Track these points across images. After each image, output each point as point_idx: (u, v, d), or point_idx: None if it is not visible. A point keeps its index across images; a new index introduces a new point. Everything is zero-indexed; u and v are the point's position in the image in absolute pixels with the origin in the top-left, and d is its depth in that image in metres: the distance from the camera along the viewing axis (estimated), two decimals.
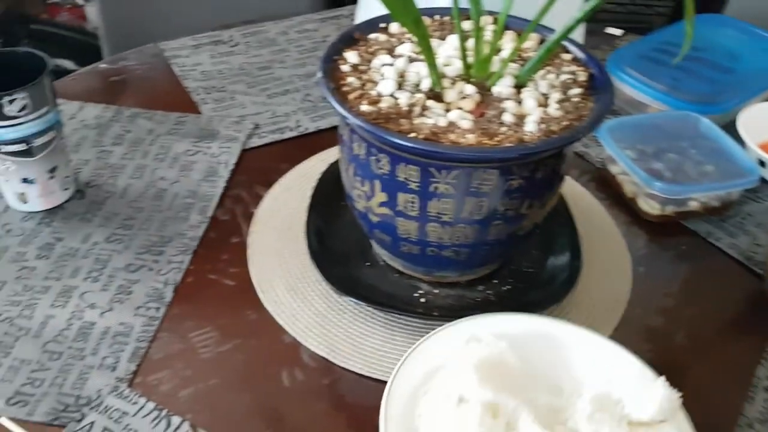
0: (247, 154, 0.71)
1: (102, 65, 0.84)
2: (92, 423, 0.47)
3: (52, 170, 0.61)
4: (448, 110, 0.48)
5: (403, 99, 0.48)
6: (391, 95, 0.48)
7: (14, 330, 0.53)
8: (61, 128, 0.61)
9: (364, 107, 0.47)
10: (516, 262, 0.58)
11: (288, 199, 0.65)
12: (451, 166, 0.45)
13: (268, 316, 0.55)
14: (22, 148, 0.58)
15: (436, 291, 0.56)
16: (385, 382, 0.50)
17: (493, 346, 0.45)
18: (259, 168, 0.69)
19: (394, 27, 0.56)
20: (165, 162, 0.69)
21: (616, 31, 0.96)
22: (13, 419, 0.46)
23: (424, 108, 0.48)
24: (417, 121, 0.47)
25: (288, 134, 0.73)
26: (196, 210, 0.64)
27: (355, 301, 0.53)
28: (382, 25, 0.56)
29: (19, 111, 0.56)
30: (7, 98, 0.55)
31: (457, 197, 0.47)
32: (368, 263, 0.58)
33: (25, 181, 0.60)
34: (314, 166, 0.68)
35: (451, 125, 0.46)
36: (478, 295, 0.56)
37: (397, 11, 0.44)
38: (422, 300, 0.55)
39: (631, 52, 0.84)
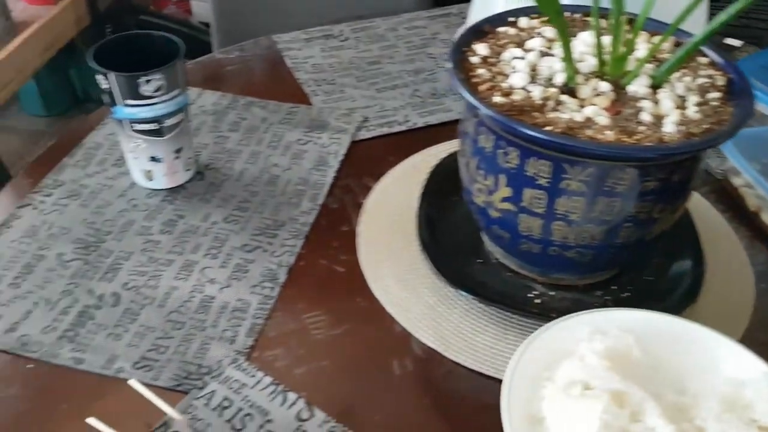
0: (355, 146, 0.72)
1: (218, 55, 0.87)
2: (213, 392, 0.48)
3: (178, 151, 0.64)
4: (582, 106, 0.47)
5: (536, 92, 0.47)
6: (524, 88, 0.48)
7: (140, 298, 0.55)
8: (188, 111, 0.64)
9: (497, 98, 0.46)
10: (636, 269, 0.56)
11: (397, 192, 0.65)
12: (586, 163, 0.45)
13: (378, 305, 0.55)
14: (154, 128, 0.61)
15: (552, 293, 0.55)
16: (498, 380, 0.49)
17: (620, 339, 0.44)
18: (367, 159, 0.70)
19: (524, 21, 0.55)
20: (278, 150, 0.71)
21: (736, 42, 0.92)
22: (141, 382, 0.48)
23: (558, 103, 0.47)
24: (551, 115, 0.46)
25: (396, 128, 0.74)
26: (308, 197, 0.66)
27: (469, 295, 0.53)
28: (511, 19, 0.55)
29: (154, 91, 0.59)
30: (144, 78, 0.58)
31: (589, 196, 0.46)
32: (480, 260, 0.57)
33: (152, 159, 0.63)
34: (424, 160, 0.68)
35: (588, 121, 0.46)
36: (595, 301, 0.54)
37: (542, 3, 0.44)
38: (537, 301, 0.54)
39: (753, 64, 0.80)
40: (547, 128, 0.44)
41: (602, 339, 0.45)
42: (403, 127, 0.74)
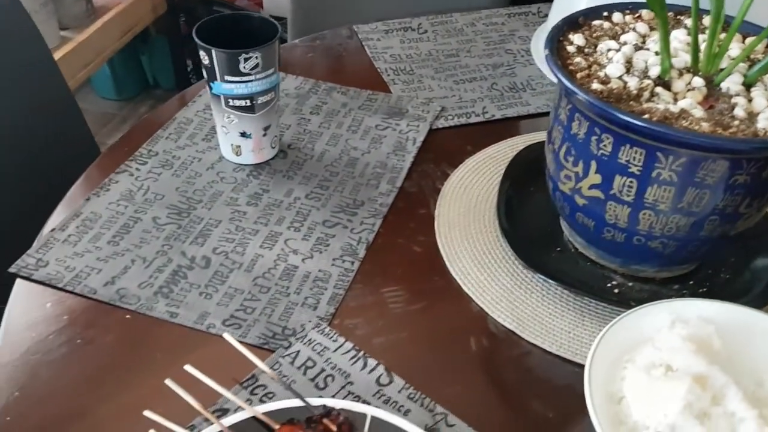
0: (433, 134, 0.73)
1: (300, 42, 0.90)
2: (298, 351, 0.50)
3: (266, 128, 0.66)
4: (675, 99, 0.48)
5: (632, 83, 0.48)
6: (620, 78, 0.49)
7: (229, 263, 0.58)
8: (278, 91, 0.66)
9: (595, 85, 0.48)
10: (714, 266, 0.57)
11: (475, 179, 0.67)
12: (679, 153, 0.45)
13: (455, 285, 0.57)
14: (246, 104, 0.64)
15: (630, 284, 0.55)
16: (576, 363, 0.50)
17: (701, 328, 0.45)
18: (445, 148, 0.72)
19: (617, 16, 0.56)
20: (357, 134, 0.73)
21: None
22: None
23: (653, 94, 0.48)
24: (646, 105, 0.47)
25: (474, 119, 0.75)
26: (386, 180, 0.67)
27: (548, 280, 0.54)
28: (605, 13, 0.56)
29: (251, 69, 0.61)
30: (243, 56, 0.60)
31: (679, 186, 0.47)
32: (558, 249, 0.58)
33: (242, 135, 0.66)
34: (502, 151, 0.70)
35: (683, 112, 0.46)
36: (673, 294, 0.55)
37: None
38: (615, 291, 0.55)
39: None
40: (645, 116, 0.45)
41: (683, 326, 0.45)
42: (481, 119, 0.75)
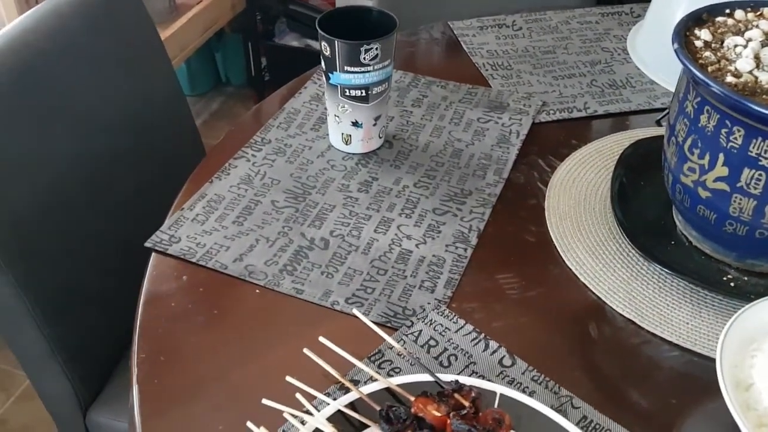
0: (536, 128, 0.74)
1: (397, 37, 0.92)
2: (420, 331, 0.52)
3: (377, 118, 0.69)
4: None
5: (764, 77, 0.49)
6: (751, 72, 0.49)
7: (346, 245, 0.60)
8: (391, 82, 0.68)
9: (729, 78, 0.48)
10: None
11: (583, 172, 0.67)
12: None
13: (571, 274, 0.58)
14: (361, 94, 0.66)
15: (745, 278, 0.55)
16: (695, 353, 0.51)
17: None
18: (549, 141, 0.73)
19: (739, 14, 0.56)
20: (460, 126, 0.75)
21: None
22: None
23: None
24: None
25: (576, 114, 0.76)
26: (492, 170, 0.69)
27: (666, 270, 0.55)
28: (727, 11, 0.57)
29: (371, 60, 0.64)
30: (365, 47, 0.63)
31: None
32: (672, 242, 0.59)
33: (354, 124, 0.68)
34: (608, 146, 0.70)
35: None
36: None
37: None
38: (731, 284, 0.55)
39: None
40: None
41: None
42: (583, 114, 0.76)
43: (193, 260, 0.57)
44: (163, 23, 1.64)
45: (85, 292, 0.76)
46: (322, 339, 0.49)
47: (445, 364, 0.50)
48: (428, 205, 0.65)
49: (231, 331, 0.52)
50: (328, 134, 0.72)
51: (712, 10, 0.56)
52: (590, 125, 0.75)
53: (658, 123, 0.74)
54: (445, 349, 0.51)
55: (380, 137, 0.71)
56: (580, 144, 0.71)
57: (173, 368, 0.50)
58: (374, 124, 0.69)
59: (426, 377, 0.47)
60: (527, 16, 0.93)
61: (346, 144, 0.70)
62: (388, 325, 0.53)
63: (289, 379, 0.46)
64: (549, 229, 0.62)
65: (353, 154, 0.71)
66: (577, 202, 0.64)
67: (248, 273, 0.57)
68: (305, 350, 0.48)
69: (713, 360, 0.44)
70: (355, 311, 0.51)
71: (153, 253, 0.58)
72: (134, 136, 0.84)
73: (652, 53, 0.81)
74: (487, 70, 0.83)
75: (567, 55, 0.85)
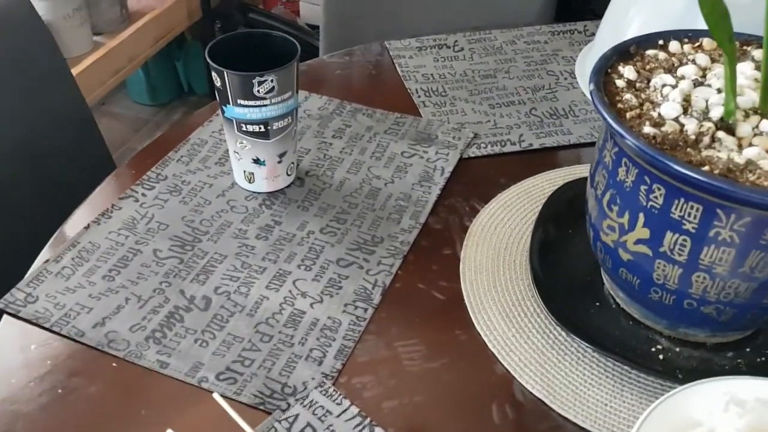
0: (464, 163, 0.67)
1: (327, 58, 0.85)
2: (297, 415, 0.45)
3: (282, 155, 0.61)
4: (740, 146, 0.41)
5: (691, 126, 0.42)
6: (676, 120, 0.42)
7: (230, 305, 0.53)
8: (296, 115, 0.61)
9: (647, 129, 0.41)
10: None
11: (507, 217, 0.60)
12: (744, 212, 0.38)
13: (480, 341, 0.51)
14: (261, 130, 0.59)
15: (677, 349, 0.48)
16: None
17: (761, 414, 0.38)
18: (476, 179, 0.66)
19: (674, 45, 0.49)
20: (381, 161, 0.68)
21: None
22: (223, 396, 0.45)
23: (713, 139, 0.42)
24: (706, 153, 0.40)
25: (509, 148, 0.69)
26: (409, 214, 0.62)
27: (584, 343, 0.48)
28: (661, 42, 0.50)
29: (266, 93, 0.57)
30: (258, 79, 0.56)
31: (741, 248, 0.40)
32: (598, 303, 0.52)
33: (255, 161, 0.61)
34: (538, 186, 0.63)
35: (750, 164, 0.39)
36: (726, 363, 0.48)
37: (714, 24, 0.38)
38: (660, 357, 0.48)
39: None
40: (704, 168, 0.39)
41: (740, 412, 0.39)
42: (517, 148, 0.69)
43: (47, 326, 0.50)
44: (113, 32, 1.57)
45: None
46: None
47: None
48: (333, 254, 0.58)
49: (72, 418, 0.45)
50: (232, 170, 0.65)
51: (643, 42, 0.49)
52: (524, 160, 0.68)
53: None
54: None
55: (288, 174, 0.64)
56: (510, 183, 0.64)
57: None
58: (279, 162, 0.62)
59: None
60: (471, 35, 0.86)
61: (249, 182, 0.63)
62: (262, 407, 0.46)
63: None
64: (462, 284, 0.55)
65: (257, 193, 0.63)
66: (497, 253, 0.57)
67: (107, 342, 0.49)
68: None
69: None
70: (215, 395, 0.44)
71: (4, 316, 0.51)
72: (37, 169, 0.77)
73: None
74: (419, 96, 0.76)
75: (508, 80, 0.78)
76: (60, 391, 0.46)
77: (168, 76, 2.01)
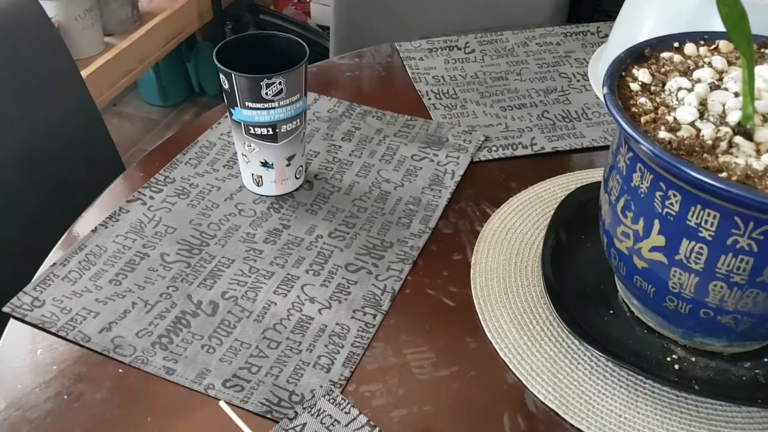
0: (474, 167, 0.67)
1: (337, 60, 0.84)
2: (304, 424, 0.44)
3: (290, 158, 0.61)
4: (758, 151, 0.40)
5: (707, 131, 0.41)
6: (692, 124, 0.41)
7: (237, 310, 0.52)
8: (305, 118, 0.61)
9: (662, 134, 0.40)
10: None
11: (518, 222, 0.60)
12: (763, 219, 0.37)
13: (491, 348, 0.50)
14: (268, 133, 0.58)
15: (693, 359, 0.47)
16: None
17: None
18: (486, 183, 0.65)
19: (690, 48, 0.48)
20: (391, 164, 0.67)
21: None
22: (230, 404, 0.44)
23: (731, 145, 0.40)
24: (723, 158, 0.39)
25: (521, 151, 0.68)
26: (419, 218, 0.61)
27: (598, 353, 0.47)
28: (676, 44, 0.49)
29: (275, 95, 0.56)
30: (266, 81, 0.55)
31: (759, 257, 0.39)
32: (611, 311, 0.51)
33: (263, 164, 0.60)
34: (551, 190, 0.62)
35: None
36: (744, 373, 0.47)
37: (732, 25, 0.37)
38: (676, 366, 0.47)
39: None
40: (722, 175, 0.38)
41: None
42: (529, 151, 0.68)
43: (53, 330, 0.50)
44: (124, 33, 1.58)
45: None
46: None
47: None
48: (341, 259, 0.57)
49: (76, 423, 0.44)
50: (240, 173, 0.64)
51: (657, 44, 0.48)
52: (535, 164, 0.67)
53: None
54: None
55: (297, 177, 0.63)
56: (521, 187, 0.63)
57: None
58: (288, 165, 0.61)
59: None
60: (482, 36, 0.85)
61: (258, 185, 0.62)
62: (269, 416, 0.45)
63: None
64: (472, 291, 0.54)
65: (266, 196, 0.63)
66: (508, 259, 0.56)
67: (113, 347, 0.49)
68: None
69: None
70: (222, 404, 0.43)
71: (10, 320, 0.51)
72: (45, 171, 0.77)
73: None
74: (429, 98, 0.75)
75: (520, 82, 0.77)
76: (66, 396, 0.46)
77: (179, 77, 2.01)
